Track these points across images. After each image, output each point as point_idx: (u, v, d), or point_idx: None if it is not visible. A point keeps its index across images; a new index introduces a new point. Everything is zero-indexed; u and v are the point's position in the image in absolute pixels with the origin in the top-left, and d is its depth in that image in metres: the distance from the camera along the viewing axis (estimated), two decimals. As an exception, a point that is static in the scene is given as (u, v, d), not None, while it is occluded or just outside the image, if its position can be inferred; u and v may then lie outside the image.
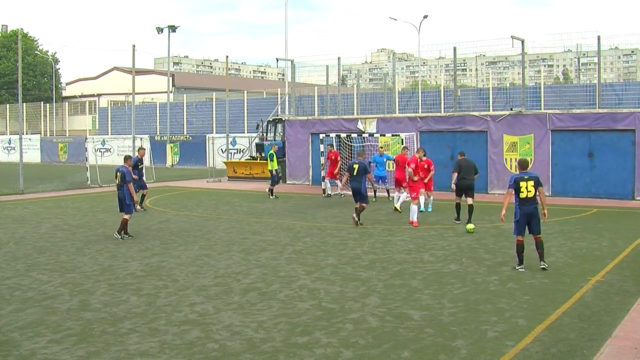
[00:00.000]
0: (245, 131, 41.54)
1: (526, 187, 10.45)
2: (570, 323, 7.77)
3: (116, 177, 14.31)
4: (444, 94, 34.13)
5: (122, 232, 14.06)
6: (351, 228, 15.46)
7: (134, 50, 30.04)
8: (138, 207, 17.42)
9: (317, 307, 8.52)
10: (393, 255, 11.98)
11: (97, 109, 56.33)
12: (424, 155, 17.00)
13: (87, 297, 9.14)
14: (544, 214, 10.67)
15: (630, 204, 19.88)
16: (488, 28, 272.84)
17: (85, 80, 75.88)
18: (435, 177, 18.32)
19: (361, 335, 7.37)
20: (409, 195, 16.84)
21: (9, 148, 52.30)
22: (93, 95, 65.43)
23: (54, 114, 57.61)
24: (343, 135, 24.85)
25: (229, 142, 36.22)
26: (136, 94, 32.82)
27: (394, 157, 20.17)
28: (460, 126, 23.76)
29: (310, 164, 27.37)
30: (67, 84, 78.96)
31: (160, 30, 45.71)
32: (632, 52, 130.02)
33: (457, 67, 27.91)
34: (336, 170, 23.18)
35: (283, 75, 68.73)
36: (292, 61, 30.59)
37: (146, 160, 24.49)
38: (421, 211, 16.30)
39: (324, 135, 24.71)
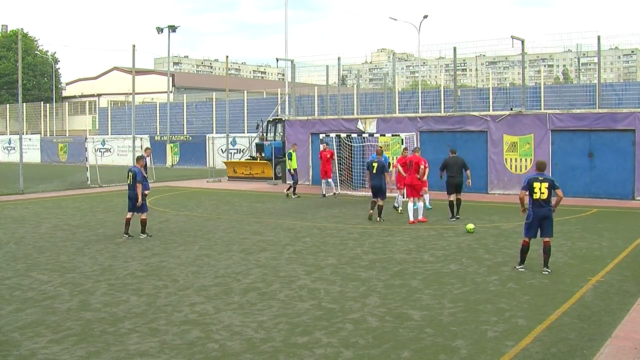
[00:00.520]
0: (245, 131, 41.53)
1: (540, 189, 10.31)
2: (570, 323, 7.77)
3: (128, 177, 14.47)
4: (444, 94, 34.13)
5: (144, 231, 14.39)
6: (351, 228, 15.46)
7: (134, 50, 30.05)
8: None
9: (317, 307, 8.52)
10: (393, 255, 11.98)
11: (97, 109, 56.32)
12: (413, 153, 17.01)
13: (87, 297, 9.14)
14: (553, 209, 10.52)
15: (630, 204, 19.88)
16: (488, 28, 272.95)
17: (85, 80, 75.86)
18: (435, 177, 18.30)
19: (361, 335, 7.37)
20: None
21: (9, 148, 52.30)
22: (93, 95, 65.41)
23: (54, 114, 57.61)
24: (343, 135, 24.85)
25: (229, 142, 36.22)
26: (136, 94, 32.81)
27: (396, 159, 18.85)
28: (460, 126, 23.76)
29: (310, 164, 27.37)
30: (67, 84, 78.94)
31: (160, 30, 45.71)
32: (632, 52, 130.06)
33: (457, 67, 27.91)
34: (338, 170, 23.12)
35: (283, 75, 68.74)
36: (292, 61, 30.60)
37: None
38: (415, 208, 16.40)
39: (324, 135, 24.73)
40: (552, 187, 10.39)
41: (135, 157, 15.16)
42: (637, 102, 28.19)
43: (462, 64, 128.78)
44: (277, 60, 34.48)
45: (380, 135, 24.29)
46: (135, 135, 31.37)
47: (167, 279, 10.19)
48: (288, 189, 22.99)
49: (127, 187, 14.64)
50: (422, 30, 62.69)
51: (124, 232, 14.37)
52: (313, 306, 8.58)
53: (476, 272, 10.51)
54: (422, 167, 16.37)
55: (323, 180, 22.76)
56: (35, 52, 71.52)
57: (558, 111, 23.35)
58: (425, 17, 52.61)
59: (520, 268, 10.55)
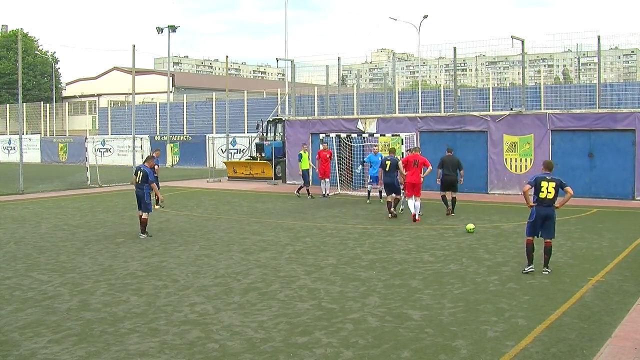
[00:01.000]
0: (245, 131, 41.54)
1: (547, 188, 10.24)
2: (570, 323, 7.77)
3: (136, 176, 14.58)
4: (444, 94, 34.14)
5: (145, 231, 14.42)
6: (351, 228, 15.46)
7: (134, 50, 30.05)
8: (156, 206, 17.98)
9: (317, 307, 8.52)
10: (393, 255, 11.98)
11: (97, 109, 56.33)
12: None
13: (87, 297, 9.14)
14: (557, 206, 10.43)
15: (630, 204, 19.89)
16: (488, 28, 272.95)
17: (85, 80, 75.88)
18: (434, 177, 18.32)
19: (361, 335, 7.37)
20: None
21: (9, 148, 52.31)
22: (93, 95, 65.43)
23: (54, 114, 57.62)
24: (343, 135, 24.85)
25: (229, 142, 36.23)
26: (136, 94, 32.82)
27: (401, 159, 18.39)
28: (460, 126, 23.76)
29: (310, 164, 27.33)
30: (67, 84, 78.96)
31: (160, 30, 45.71)
32: (632, 52, 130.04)
33: (457, 67, 27.91)
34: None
35: (283, 75, 68.73)
36: (292, 61, 30.61)
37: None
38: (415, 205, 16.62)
39: (324, 135, 24.73)
40: (559, 187, 10.32)
41: (145, 157, 15.22)
42: (637, 102, 28.19)
43: (462, 64, 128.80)
44: (277, 60, 34.50)
45: (380, 135, 24.29)
46: (135, 135, 31.37)
47: (167, 279, 10.19)
48: (299, 190, 22.88)
49: (134, 187, 14.78)
50: (422, 30, 62.71)
51: (140, 232, 14.50)
52: (313, 306, 8.58)
53: (476, 272, 10.51)
54: (429, 167, 16.74)
55: (322, 180, 22.72)
56: (35, 52, 71.52)
57: (558, 111, 23.35)
58: (425, 17, 52.63)
59: (529, 269, 10.31)
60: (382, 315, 8.12)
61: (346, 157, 24.88)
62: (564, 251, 12.27)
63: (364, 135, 24.42)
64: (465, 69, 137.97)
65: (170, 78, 50.63)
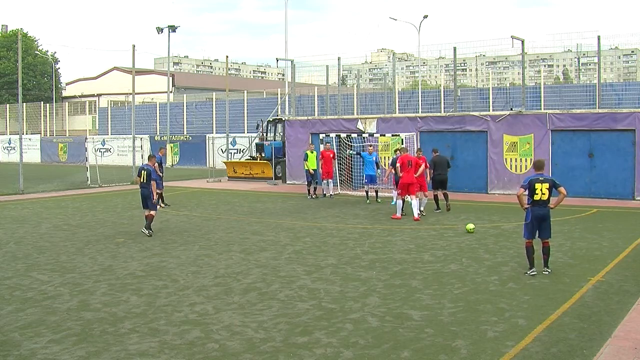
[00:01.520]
0: (245, 131, 41.54)
1: (541, 190, 10.13)
2: (570, 323, 7.77)
3: (140, 175, 14.82)
4: (444, 94, 34.13)
5: (150, 227, 14.60)
6: (351, 228, 15.46)
7: (134, 50, 30.07)
8: (162, 204, 18.39)
9: (317, 307, 8.52)
10: (393, 255, 11.98)
11: (97, 109, 56.33)
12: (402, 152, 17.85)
13: (87, 297, 9.14)
14: (551, 206, 10.30)
15: (630, 204, 19.88)
16: (488, 28, 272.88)
17: (85, 80, 75.86)
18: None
19: (361, 335, 7.37)
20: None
21: (9, 148, 52.30)
22: (93, 95, 65.41)
23: (54, 114, 57.61)
24: (343, 135, 24.85)
25: (229, 142, 36.23)
26: (136, 94, 32.83)
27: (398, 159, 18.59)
28: (460, 126, 23.76)
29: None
30: (67, 84, 78.93)
31: (160, 30, 45.70)
32: (632, 52, 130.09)
33: (457, 67, 27.91)
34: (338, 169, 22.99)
35: (283, 75, 68.73)
36: (292, 61, 30.60)
37: (146, 161, 24.52)
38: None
39: (324, 135, 24.73)
40: (553, 187, 10.23)
41: (147, 156, 15.47)
42: (637, 102, 28.18)
43: (462, 64, 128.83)
44: (277, 60, 34.45)
45: (380, 135, 24.29)
46: (135, 135, 31.39)
47: (167, 279, 10.19)
48: (314, 191, 22.68)
49: (139, 186, 14.99)
50: (422, 30, 62.71)
51: (146, 228, 14.69)
52: (313, 306, 8.58)
53: (476, 272, 10.51)
54: (422, 166, 17.21)
55: (324, 180, 22.66)
56: (35, 52, 71.47)
57: (558, 111, 23.34)
58: (425, 17, 52.64)
59: (531, 272, 10.20)
60: (382, 315, 8.12)
61: (346, 157, 24.87)
62: (564, 251, 12.27)
63: (364, 135, 24.41)
64: (465, 69, 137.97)
65: (170, 78, 50.62)
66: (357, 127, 25.92)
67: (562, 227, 15.17)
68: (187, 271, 10.76)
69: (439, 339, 7.21)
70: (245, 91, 45.69)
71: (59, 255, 12.28)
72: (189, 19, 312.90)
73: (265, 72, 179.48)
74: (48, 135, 55.50)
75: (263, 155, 31.06)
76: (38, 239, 14.11)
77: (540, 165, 10.69)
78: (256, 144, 32.89)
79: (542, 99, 30.96)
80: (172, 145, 43.51)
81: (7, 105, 58.94)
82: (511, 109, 23.91)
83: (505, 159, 22.83)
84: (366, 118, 26.48)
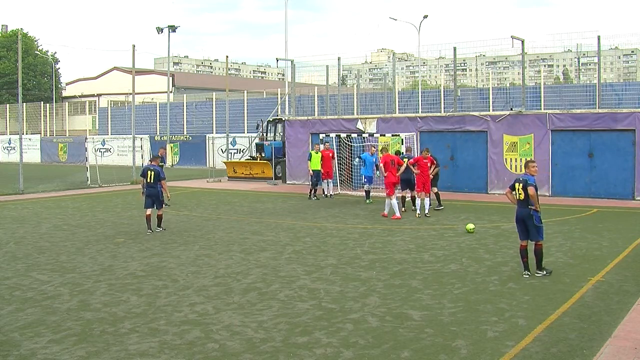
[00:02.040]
0: (245, 131, 41.53)
1: (518, 190, 10.19)
2: (570, 323, 7.77)
3: (144, 176, 15.08)
4: (444, 94, 34.13)
5: (161, 224, 15.19)
6: (351, 228, 15.47)
7: (134, 50, 30.07)
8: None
9: (317, 307, 8.52)
10: (393, 255, 11.98)
11: (97, 109, 56.32)
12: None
13: (87, 297, 9.14)
14: (534, 208, 10.05)
15: (630, 204, 19.88)
16: (488, 28, 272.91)
17: (85, 80, 75.82)
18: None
19: (361, 335, 7.37)
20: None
21: (9, 148, 52.30)
22: (93, 95, 65.41)
23: (54, 114, 57.60)
24: (343, 135, 24.85)
25: (229, 142, 36.23)
26: (136, 94, 32.83)
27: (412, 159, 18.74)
28: (460, 126, 23.76)
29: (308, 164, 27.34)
30: (67, 84, 78.91)
31: (160, 30, 45.67)
32: (632, 52, 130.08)
33: (457, 67, 27.91)
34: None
35: (283, 75, 68.73)
36: (292, 61, 30.60)
37: (146, 160, 24.57)
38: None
39: (324, 135, 24.72)
40: (524, 187, 10.06)
41: (151, 157, 15.72)
42: (637, 102, 28.17)
43: (462, 64, 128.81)
44: (277, 60, 34.44)
45: (380, 135, 24.29)
46: (135, 135, 31.38)
47: (167, 279, 10.19)
48: (315, 192, 22.53)
49: (145, 187, 15.19)
50: (422, 30, 62.73)
51: (147, 229, 14.97)
52: (313, 306, 8.58)
53: (476, 272, 10.51)
54: (403, 165, 17.66)
55: (324, 180, 22.64)
56: (35, 52, 71.48)
57: (558, 111, 23.34)
58: (425, 17, 52.62)
59: (525, 274, 10.20)
60: (382, 315, 8.12)
61: (346, 157, 24.87)
62: (564, 251, 12.27)
63: (364, 135, 24.42)
64: (465, 69, 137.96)
65: (170, 78, 50.59)
66: (357, 127, 25.92)
67: (562, 227, 15.18)
68: (187, 271, 10.76)
69: (439, 339, 7.21)
70: (245, 91, 45.68)
71: (59, 255, 12.28)
72: (189, 19, 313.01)
73: (265, 72, 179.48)
74: (48, 135, 55.50)
75: (263, 155, 31.05)
76: (38, 239, 14.11)
77: (526, 165, 10.62)
78: (256, 144, 32.89)
79: (542, 99, 30.95)
80: (172, 145, 43.50)
81: (7, 105, 58.95)
82: (511, 109, 23.91)
83: (505, 159, 22.83)
84: (366, 118, 26.48)
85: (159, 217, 15.24)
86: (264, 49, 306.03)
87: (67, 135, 53.80)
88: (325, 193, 22.74)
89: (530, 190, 10.00)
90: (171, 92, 50.09)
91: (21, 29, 72.16)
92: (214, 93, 46.50)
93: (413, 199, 18.47)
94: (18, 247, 13.21)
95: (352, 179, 24.68)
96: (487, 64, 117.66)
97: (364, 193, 21.36)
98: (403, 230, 15.16)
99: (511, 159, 22.70)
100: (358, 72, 69.01)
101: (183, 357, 6.72)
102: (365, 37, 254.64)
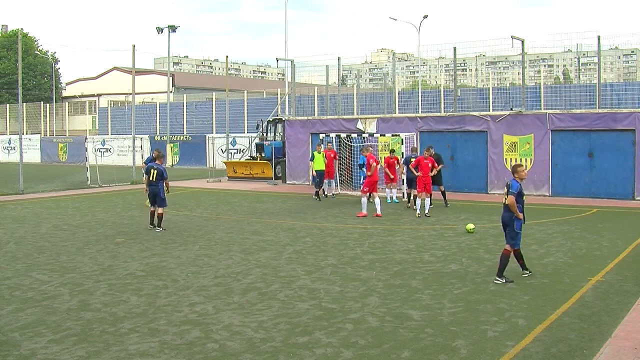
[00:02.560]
0: (245, 131, 41.54)
1: (505, 194, 10.05)
2: (570, 323, 7.77)
3: (147, 174, 15.43)
4: (444, 94, 34.14)
5: (160, 224, 15.32)
6: (351, 228, 15.46)
7: (134, 50, 30.07)
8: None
9: (317, 307, 8.52)
10: (393, 255, 11.98)
11: (97, 109, 56.32)
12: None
13: (87, 297, 9.13)
14: (519, 217, 9.89)
15: (630, 204, 19.88)
16: (488, 28, 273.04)
17: (85, 80, 75.85)
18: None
19: (361, 335, 7.37)
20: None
21: (9, 148, 52.29)
22: (93, 95, 65.43)
23: (54, 114, 57.61)
24: (343, 135, 24.85)
25: (229, 142, 36.22)
26: (136, 94, 32.83)
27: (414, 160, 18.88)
28: (460, 126, 23.76)
29: (310, 164, 27.34)
30: (67, 84, 78.94)
31: (160, 30, 45.66)
32: (632, 52, 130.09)
33: (457, 67, 27.91)
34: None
35: (283, 75, 68.72)
36: (292, 61, 30.59)
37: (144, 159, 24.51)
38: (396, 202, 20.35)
39: (324, 135, 24.71)
40: (508, 192, 9.90)
41: (154, 156, 15.89)
42: (637, 102, 28.19)
43: (462, 64, 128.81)
44: (277, 60, 34.45)
45: (380, 135, 24.29)
46: (135, 135, 31.38)
47: (167, 279, 10.19)
48: (322, 192, 22.46)
49: (147, 185, 15.48)
50: (422, 30, 62.72)
51: (149, 223, 15.44)
52: (313, 306, 8.58)
53: (476, 272, 10.51)
54: (373, 164, 17.99)
55: (326, 180, 22.62)
56: (35, 52, 71.47)
57: (558, 111, 23.35)
58: (425, 17, 52.59)
59: (524, 274, 10.13)
60: (382, 315, 8.11)
61: (346, 157, 24.87)
62: (564, 251, 12.27)
63: (364, 135, 24.42)
64: (465, 69, 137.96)
65: (170, 78, 50.59)
66: (357, 127, 25.92)
67: (562, 227, 15.19)
68: (187, 271, 10.76)
69: (439, 339, 7.21)
70: (245, 91, 45.70)
71: (59, 255, 12.27)
72: (189, 19, 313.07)
73: (265, 72, 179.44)
74: (48, 135, 55.49)
75: (263, 155, 31.06)
76: (38, 239, 14.11)
77: (511, 169, 10.38)
78: (256, 144, 32.89)
79: (542, 99, 30.96)
80: (172, 145, 43.50)
81: (7, 105, 58.94)
82: (511, 109, 23.91)
83: (505, 159, 22.83)
84: (366, 118, 26.48)
85: (159, 217, 15.31)
86: (264, 49, 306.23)
87: (67, 135, 53.80)
88: (326, 193, 22.74)
89: (510, 199, 9.76)
90: (171, 92, 50.09)
91: (21, 29, 72.11)
92: (214, 93, 46.51)
93: (415, 197, 18.63)
94: (18, 247, 13.21)
95: (352, 179, 24.68)
96: (487, 64, 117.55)
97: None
98: (403, 230, 15.16)
99: (511, 159, 22.69)
100: (358, 72, 68.95)
101: (183, 357, 6.72)
102: (365, 37, 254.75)
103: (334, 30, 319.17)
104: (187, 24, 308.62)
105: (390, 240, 13.73)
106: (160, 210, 15.33)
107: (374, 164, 18.01)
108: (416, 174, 17.83)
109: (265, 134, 32.83)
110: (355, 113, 34.16)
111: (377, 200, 17.62)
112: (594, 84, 30.43)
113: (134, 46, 30.13)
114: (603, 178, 21.25)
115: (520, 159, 22.45)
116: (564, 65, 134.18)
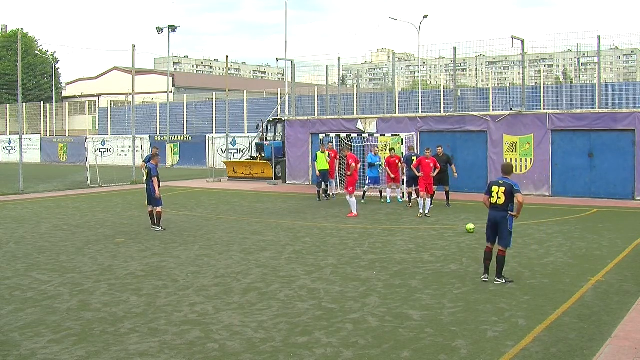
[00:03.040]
0: (245, 131, 41.53)
1: (497, 193, 9.65)
2: (570, 323, 7.77)
3: (144, 173, 15.79)
4: (444, 94, 34.13)
5: (159, 223, 15.34)
6: (351, 228, 15.47)
7: (134, 50, 30.07)
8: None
9: (317, 307, 8.52)
10: (393, 255, 11.98)
11: (97, 109, 56.31)
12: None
13: (87, 297, 9.14)
14: (513, 214, 9.66)
15: (630, 204, 19.88)
16: (488, 28, 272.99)
17: (85, 80, 75.84)
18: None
19: (361, 335, 7.37)
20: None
21: (9, 148, 52.29)
22: (93, 95, 65.40)
23: (54, 114, 57.60)
24: (343, 135, 24.84)
25: (229, 142, 36.22)
26: (136, 94, 32.83)
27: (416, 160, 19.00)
28: (460, 126, 23.75)
29: (310, 164, 27.34)
30: (67, 84, 78.92)
31: (160, 30, 45.66)
32: (632, 52, 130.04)
33: (457, 67, 27.90)
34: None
35: (283, 75, 68.73)
36: (292, 61, 30.58)
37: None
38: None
39: (324, 135, 24.70)
40: (509, 193, 9.56)
41: (151, 155, 15.99)
42: (637, 102, 28.17)
43: (462, 64, 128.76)
44: (277, 60, 34.43)
45: (380, 135, 24.28)
46: (135, 135, 31.38)
47: (167, 279, 10.19)
48: (323, 192, 22.38)
49: (144, 183, 15.98)
50: (422, 30, 62.73)
51: (151, 224, 15.45)
52: (313, 306, 8.58)
53: (476, 272, 10.51)
54: (352, 164, 18.54)
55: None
56: (35, 52, 71.47)
57: (558, 111, 23.34)
58: (425, 17, 52.59)
59: (484, 278, 9.87)
60: (382, 315, 8.11)
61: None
62: (564, 251, 12.27)
63: (364, 135, 24.41)
64: (465, 69, 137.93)
65: (170, 78, 50.59)
66: (357, 127, 25.91)
67: (562, 227, 15.18)
68: (187, 271, 10.76)
69: (439, 339, 7.21)
70: (245, 91, 45.68)
71: (59, 255, 12.28)
72: (189, 19, 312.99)
73: (265, 72, 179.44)
74: (48, 135, 55.49)
75: (263, 155, 31.05)
76: (38, 239, 14.10)
77: (505, 169, 10.04)
78: (256, 144, 32.89)
79: (542, 99, 30.95)
80: (172, 145, 43.50)
81: (7, 105, 58.93)
82: (511, 109, 23.90)
83: (505, 159, 22.81)
84: (366, 118, 26.47)
85: (157, 216, 15.33)
86: (264, 49, 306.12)
87: (67, 135, 53.79)
88: (328, 193, 22.74)
89: (520, 197, 9.49)
90: (171, 92, 50.09)
91: (21, 29, 72.10)
92: (214, 93, 46.50)
93: (414, 193, 18.88)
94: (18, 247, 13.21)
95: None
96: (487, 64, 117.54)
97: (361, 194, 21.38)
98: (403, 230, 15.16)
99: (511, 159, 22.68)
100: (358, 72, 68.99)
101: (183, 357, 6.72)
102: (365, 37, 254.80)
103: (334, 30, 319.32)
104: (187, 24, 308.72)
105: (390, 240, 13.73)
106: (158, 209, 15.33)
107: (354, 164, 18.39)
108: (418, 174, 17.95)
109: (265, 134, 32.82)
110: (355, 113, 34.15)
111: (352, 200, 17.62)
112: (594, 84, 30.42)
113: (134, 46, 30.15)
114: (603, 178, 21.25)
115: (520, 159, 22.46)
116: (564, 65, 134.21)
